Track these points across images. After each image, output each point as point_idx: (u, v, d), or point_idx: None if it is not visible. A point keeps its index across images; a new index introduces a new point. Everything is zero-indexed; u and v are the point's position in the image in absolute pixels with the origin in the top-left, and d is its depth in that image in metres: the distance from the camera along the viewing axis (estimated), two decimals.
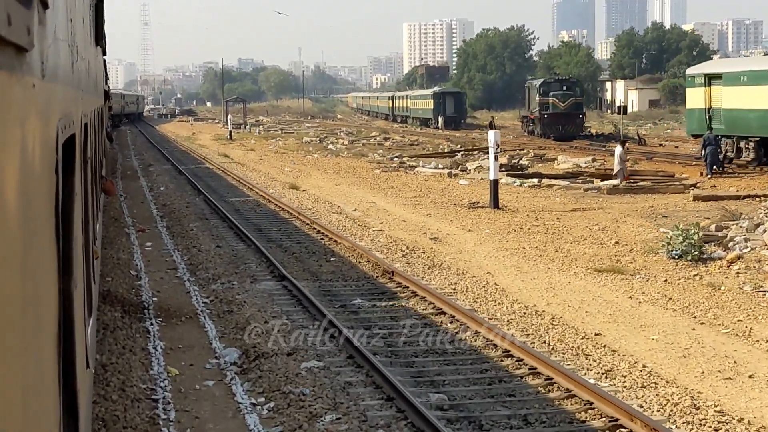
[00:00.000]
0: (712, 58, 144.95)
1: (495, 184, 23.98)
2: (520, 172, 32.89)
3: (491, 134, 24.12)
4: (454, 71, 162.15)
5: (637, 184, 28.61)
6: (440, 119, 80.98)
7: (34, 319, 2.39)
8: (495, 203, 23.88)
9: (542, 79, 61.52)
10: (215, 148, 55.84)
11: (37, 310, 2.46)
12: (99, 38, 10.43)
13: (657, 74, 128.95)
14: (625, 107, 40.66)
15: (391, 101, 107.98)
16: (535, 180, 30.35)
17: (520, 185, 30.24)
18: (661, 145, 50.92)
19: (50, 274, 2.88)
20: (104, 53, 16.04)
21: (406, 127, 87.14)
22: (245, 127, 78.86)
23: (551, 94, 56.79)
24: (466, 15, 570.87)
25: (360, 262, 15.97)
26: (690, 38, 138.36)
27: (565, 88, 57.97)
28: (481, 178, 32.72)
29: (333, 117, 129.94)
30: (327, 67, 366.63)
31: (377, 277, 14.82)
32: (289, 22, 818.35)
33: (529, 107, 62.48)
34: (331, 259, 16.40)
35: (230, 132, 65.25)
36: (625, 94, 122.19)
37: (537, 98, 57.45)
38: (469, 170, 34.63)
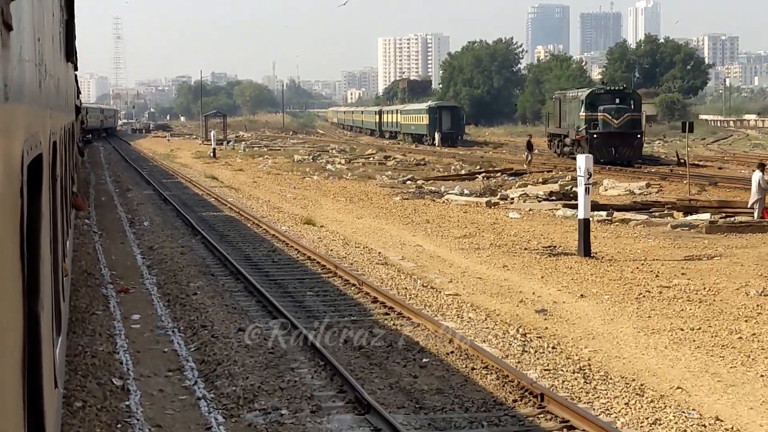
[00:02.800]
0: (708, 73, 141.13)
1: (586, 225, 18.44)
2: (575, 203, 27.34)
3: (581, 159, 18.61)
4: (439, 85, 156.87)
5: (735, 218, 23.23)
6: (437, 135, 75.52)
7: None
8: (586, 250, 18.35)
9: (589, 90, 50.45)
10: (199, 167, 50.05)
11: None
12: (70, 54, 10.14)
13: (652, 89, 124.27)
14: (692, 124, 34.80)
15: (378, 116, 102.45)
16: (603, 213, 24.84)
17: None
18: (698, 165, 45.58)
19: (14, 296, 2.86)
20: (75, 68, 15.11)
21: (399, 143, 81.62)
22: (228, 144, 72.97)
23: (601, 108, 45.77)
24: (441, 30, 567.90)
25: (473, 368, 10.30)
26: (684, 52, 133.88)
27: (618, 100, 46.62)
28: (530, 210, 27.26)
29: (314, 132, 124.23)
30: (301, 82, 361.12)
31: (516, 402, 9.18)
32: (263, 36, 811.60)
33: (560, 123, 52.36)
34: (423, 360, 10.72)
35: (214, 150, 59.40)
36: None
37: (582, 113, 46.57)
38: (513, 199, 29.08)
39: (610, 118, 45.53)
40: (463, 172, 42.99)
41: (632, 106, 46.71)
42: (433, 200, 30.40)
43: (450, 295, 14.72)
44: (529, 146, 46.00)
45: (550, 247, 19.81)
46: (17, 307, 2.94)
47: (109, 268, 18.20)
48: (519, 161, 51.06)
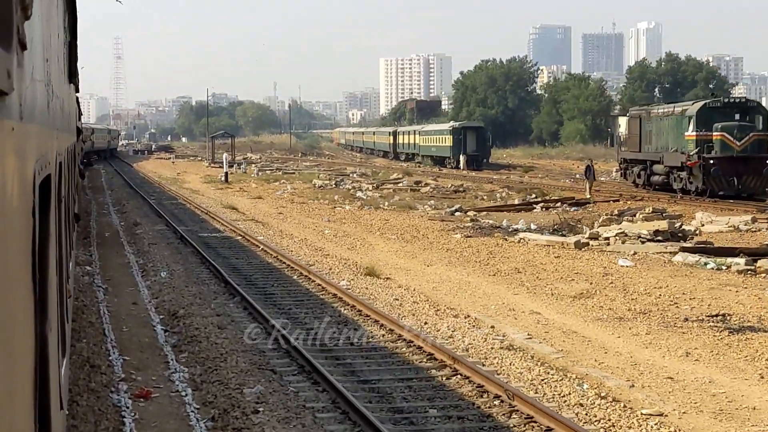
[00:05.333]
0: (730, 92, 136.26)
1: None
2: (693, 245, 22.20)
3: None
4: (450, 105, 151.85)
5: None
6: (462, 158, 70.40)
7: (11, 365, 2.37)
8: None
9: (700, 103, 38.95)
10: (212, 194, 44.95)
11: (14, 356, 2.44)
12: (72, 75, 10.07)
13: None
14: None
15: (392, 137, 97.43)
16: (741, 261, 19.67)
17: (718, 269, 19.58)
18: None
19: (28, 319, 2.85)
20: (77, 90, 14.56)
21: (419, 166, 76.48)
22: (239, 167, 67.78)
23: (718, 126, 35.98)
24: (443, 50, 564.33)
25: None
26: (706, 70, 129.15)
27: (738, 116, 36.71)
28: (634, 253, 22.06)
29: (323, 154, 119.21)
30: (302, 102, 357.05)
31: None
32: (263, 56, 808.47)
33: (641, 147, 42.45)
34: None
35: (226, 174, 54.28)
36: None
37: (690, 133, 36.79)
38: (607, 239, 23.86)
39: (731, 139, 35.74)
40: (516, 201, 37.82)
41: (758, 123, 36.70)
42: (505, 239, 25.22)
43: (651, 416, 9.51)
44: (588, 171, 39.94)
45: (717, 315, 14.61)
46: (30, 329, 2.91)
47: (120, 350, 13.03)
48: (565, 187, 46.00)
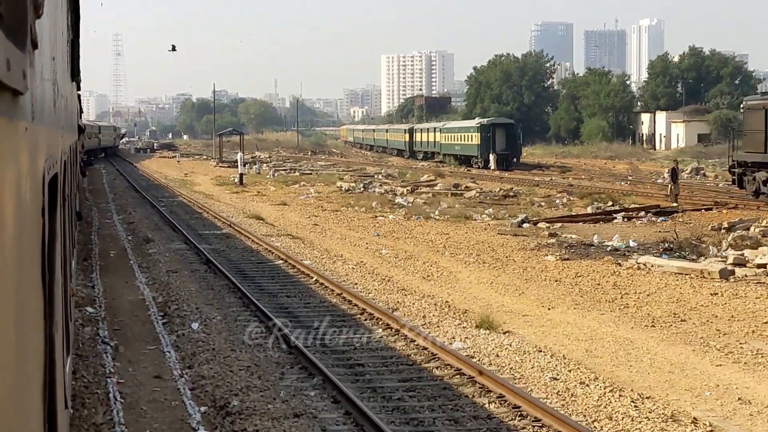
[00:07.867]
0: (757, 88, 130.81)
1: None
2: None
3: None
4: (464, 102, 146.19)
5: None
6: (492, 157, 64.93)
7: (23, 364, 2.32)
8: None
9: None
10: (228, 199, 39.58)
11: (26, 356, 2.39)
12: (74, 74, 9.89)
13: (700, 105, 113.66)
14: None
15: (408, 135, 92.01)
16: None
17: None
18: None
19: (38, 318, 2.81)
20: (78, 88, 14.43)
21: (442, 166, 70.98)
22: (251, 167, 62.29)
23: None
24: (444, 47, 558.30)
25: None
26: (732, 65, 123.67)
27: None
28: None
29: (333, 152, 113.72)
30: (303, 100, 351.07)
31: None
32: (264, 53, 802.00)
33: (767, 145, 33.32)
34: None
35: (241, 176, 48.88)
36: (667, 127, 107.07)
37: None
38: (763, 266, 18.45)
39: None
40: (588, 209, 32.39)
41: None
42: (618, 264, 19.86)
43: None
44: (674, 175, 34.08)
45: None
46: (39, 328, 2.86)
47: None
48: (627, 191, 40.60)
